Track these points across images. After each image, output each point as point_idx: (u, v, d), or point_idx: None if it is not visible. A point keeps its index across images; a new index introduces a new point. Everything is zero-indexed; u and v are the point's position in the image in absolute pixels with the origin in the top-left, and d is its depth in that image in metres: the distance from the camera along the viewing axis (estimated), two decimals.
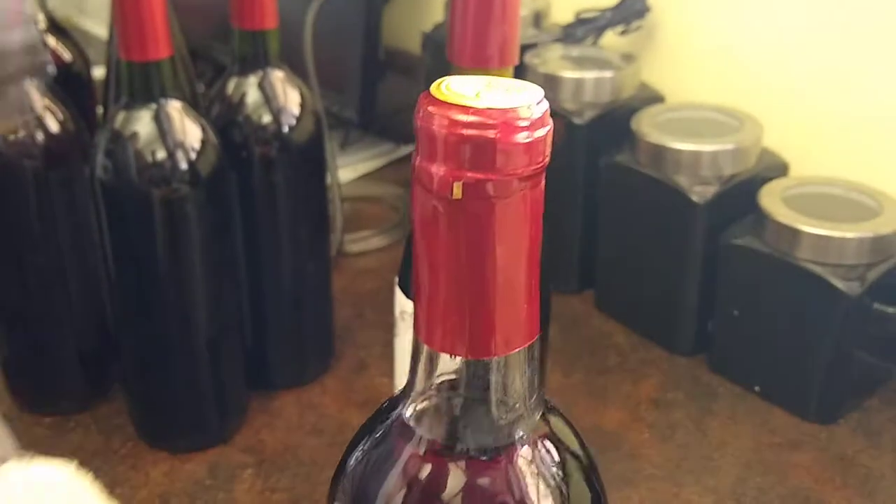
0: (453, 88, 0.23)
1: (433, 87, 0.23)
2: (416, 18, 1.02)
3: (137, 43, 0.53)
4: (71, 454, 0.44)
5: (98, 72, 0.82)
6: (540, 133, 0.23)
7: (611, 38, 0.83)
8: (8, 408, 0.67)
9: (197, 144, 0.57)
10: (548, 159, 0.23)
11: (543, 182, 0.24)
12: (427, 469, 0.27)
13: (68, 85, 0.67)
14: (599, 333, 0.76)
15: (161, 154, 0.55)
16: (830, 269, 0.62)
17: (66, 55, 0.73)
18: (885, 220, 0.64)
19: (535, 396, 0.27)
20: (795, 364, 0.66)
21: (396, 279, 0.54)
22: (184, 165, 0.56)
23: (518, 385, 0.27)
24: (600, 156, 0.74)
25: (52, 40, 0.71)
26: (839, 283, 0.62)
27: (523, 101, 0.23)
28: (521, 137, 0.22)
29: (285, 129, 0.62)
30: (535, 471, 0.27)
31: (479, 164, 0.22)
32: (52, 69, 0.69)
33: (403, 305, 0.52)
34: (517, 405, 0.27)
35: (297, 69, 0.66)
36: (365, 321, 0.77)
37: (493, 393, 0.26)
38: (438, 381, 0.27)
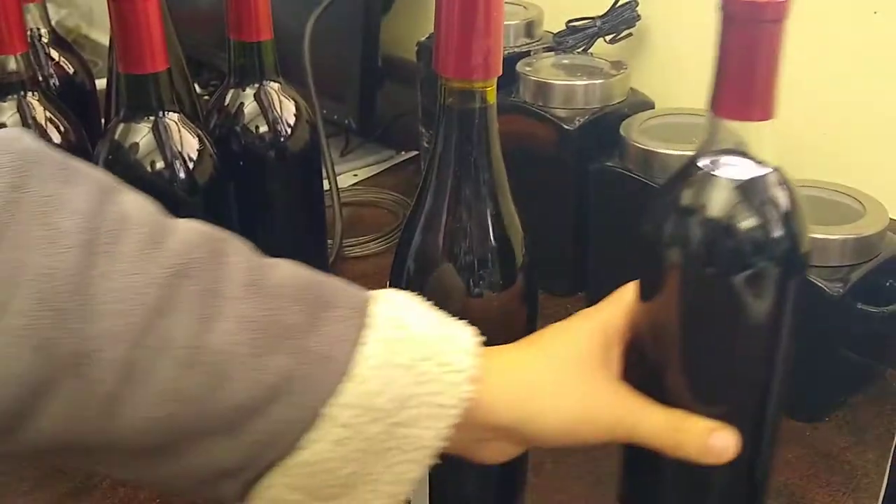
0: None
1: None
2: (413, 28, 1.03)
3: (135, 57, 0.55)
4: None
5: (102, 82, 0.84)
6: None
7: (601, 46, 0.85)
8: None
9: (194, 154, 0.58)
10: None
11: None
12: None
13: (71, 96, 0.69)
14: None
15: (159, 164, 0.57)
16: (814, 271, 0.63)
17: (69, 67, 0.75)
18: (867, 221, 0.65)
19: None
20: None
21: (388, 283, 0.56)
22: (182, 175, 0.58)
23: None
24: (590, 161, 0.76)
25: (55, 53, 0.73)
26: (823, 284, 0.63)
27: None
28: None
29: (281, 139, 0.64)
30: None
31: None
32: (54, 81, 0.71)
33: None
34: None
35: (296, 77, 0.68)
36: None
37: None
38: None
